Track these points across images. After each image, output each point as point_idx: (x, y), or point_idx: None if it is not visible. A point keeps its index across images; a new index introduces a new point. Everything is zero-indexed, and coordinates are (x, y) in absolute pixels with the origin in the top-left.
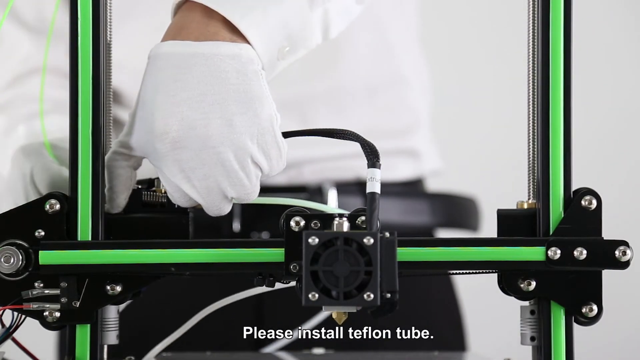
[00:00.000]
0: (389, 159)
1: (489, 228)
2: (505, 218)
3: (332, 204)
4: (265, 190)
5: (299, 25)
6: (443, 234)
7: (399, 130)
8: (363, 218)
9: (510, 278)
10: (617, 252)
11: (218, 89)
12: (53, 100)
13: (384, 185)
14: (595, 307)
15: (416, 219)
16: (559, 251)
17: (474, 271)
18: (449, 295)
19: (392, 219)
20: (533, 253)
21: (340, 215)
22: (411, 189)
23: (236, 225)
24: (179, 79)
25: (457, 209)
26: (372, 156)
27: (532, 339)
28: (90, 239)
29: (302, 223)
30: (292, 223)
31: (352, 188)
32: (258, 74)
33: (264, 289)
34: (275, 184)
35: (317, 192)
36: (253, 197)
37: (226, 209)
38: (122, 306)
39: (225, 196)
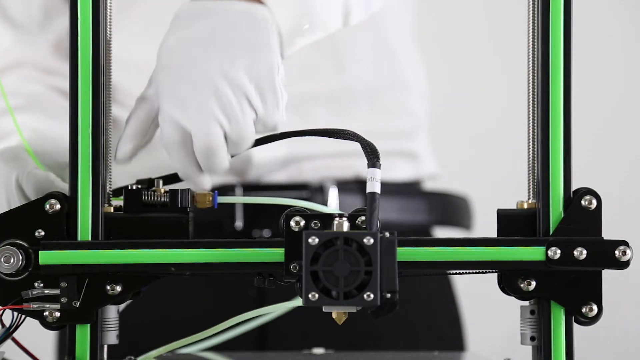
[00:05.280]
0: (387, 159)
1: (485, 228)
2: (505, 218)
3: (332, 202)
4: (265, 188)
5: (320, 4)
6: (439, 232)
7: (398, 133)
8: (363, 218)
9: (510, 278)
10: (617, 252)
11: (226, 36)
12: (27, 96)
13: (381, 185)
14: (595, 307)
15: (413, 217)
16: (559, 251)
17: (474, 271)
18: (448, 295)
19: (389, 217)
20: (533, 253)
21: (340, 215)
22: (407, 187)
23: (238, 224)
24: (192, 24)
25: (451, 208)
26: (372, 156)
27: (532, 338)
28: (90, 239)
29: (302, 223)
30: (292, 223)
31: (351, 186)
32: (269, 32)
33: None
34: (276, 182)
35: (318, 190)
36: (246, 141)
37: (216, 140)
38: (122, 306)
39: (220, 126)
